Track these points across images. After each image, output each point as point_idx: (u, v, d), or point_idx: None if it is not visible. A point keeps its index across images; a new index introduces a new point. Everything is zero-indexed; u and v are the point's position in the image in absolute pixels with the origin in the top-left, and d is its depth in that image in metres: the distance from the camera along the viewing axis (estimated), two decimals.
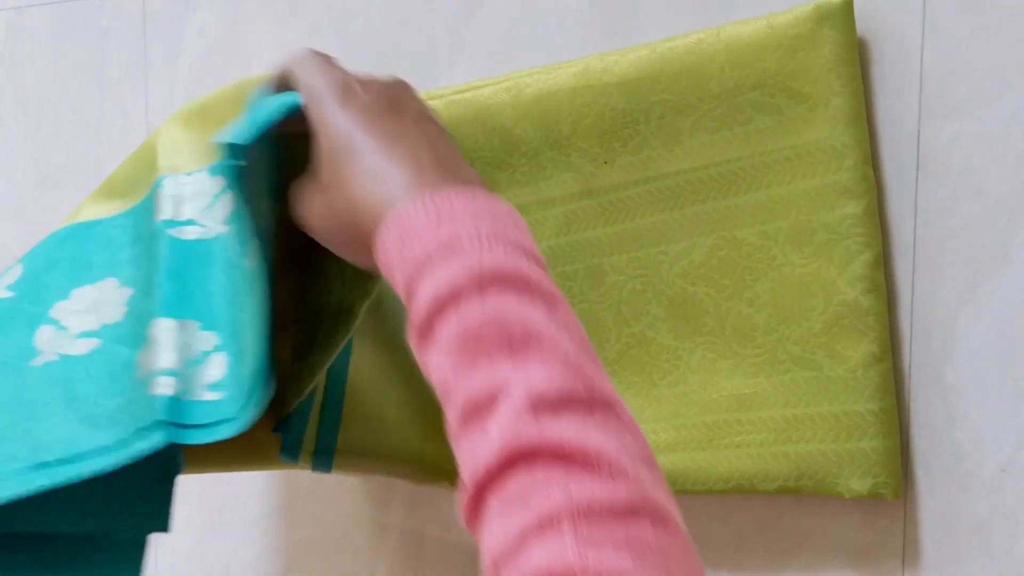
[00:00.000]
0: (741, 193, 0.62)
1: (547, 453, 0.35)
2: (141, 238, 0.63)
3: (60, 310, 0.62)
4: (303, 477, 0.81)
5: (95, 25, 0.90)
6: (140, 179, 0.66)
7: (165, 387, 0.55)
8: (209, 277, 0.59)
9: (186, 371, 0.56)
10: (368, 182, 0.42)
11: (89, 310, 0.61)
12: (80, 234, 0.65)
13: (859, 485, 0.59)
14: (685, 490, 0.63)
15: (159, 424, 0.54)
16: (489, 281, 0.38)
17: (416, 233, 0.39)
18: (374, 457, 0.67)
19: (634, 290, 0.65)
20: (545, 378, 0.37)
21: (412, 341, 0.40)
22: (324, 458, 0.64)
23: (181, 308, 0.58)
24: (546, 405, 0.36)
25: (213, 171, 0.62)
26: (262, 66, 0.81)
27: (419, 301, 0.39)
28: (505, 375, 0.37)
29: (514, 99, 0.66)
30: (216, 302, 0.58)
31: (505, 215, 0.41)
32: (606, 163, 0.64)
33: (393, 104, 0.46)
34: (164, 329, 0.57)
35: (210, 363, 0.56)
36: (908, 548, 0.62)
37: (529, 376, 0.36)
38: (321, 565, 0.81)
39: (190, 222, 0.61)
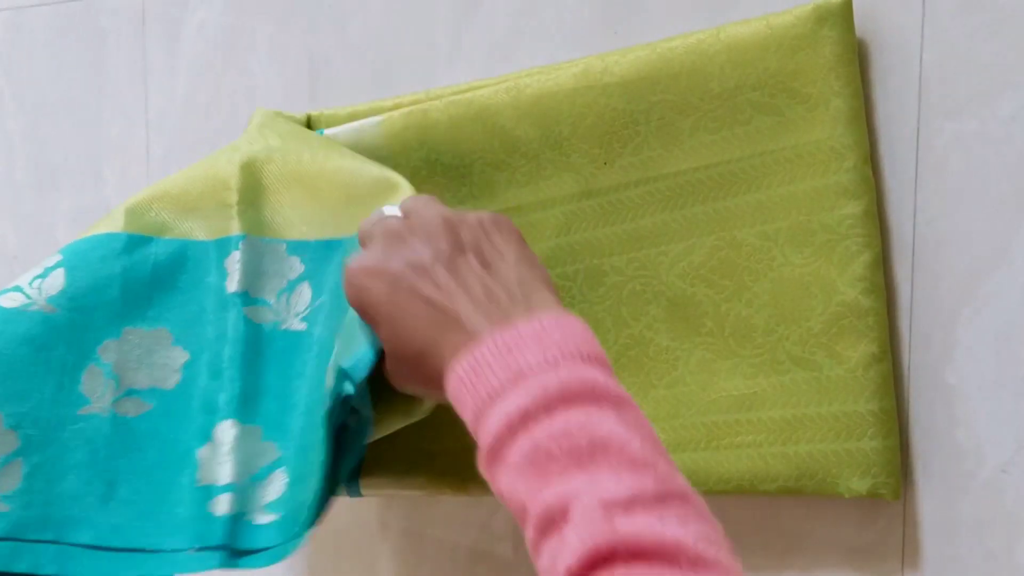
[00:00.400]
0: (741, 194, 0.62)
1: (624, 552, 0.36)
2: (200, 289, 0.60)
3: (109, 351, 0.59)
4: None
5: (95, 25, 0.90)
6: (206, 211, 0.63)
7: (225, 505, 0.54)
8: (278, 377, 0.58)
9: (246, 488, 0.55)
10: (433, 332, 0.45)
11: (140, 362, 0.59)
12: (134, 252, 0.61)
13: (859, 485, 0.59)
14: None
15: (218, 548, 0.53)
16: (556, 401, 0.40)
17: (488, 366, 0.42)
18: (392, 476, 0.68)
19: (633, 291, 0.65)
20: (614, 481, 0.38)
21: (481, 464, 0.43)
22: (353, 486, 0.65)
23: (247, 411, 0.56)
24: (618, 506, 0.37)
25: (291, 249, 0.61)
26: (262, 66, 0.82)
27: (489, 427, 0.41)
28: (576, 486, 0.38)
29: (514, 99, 0.66)
30: (282, 408, 0.57)
31: (570, 330, 0.43)
32: (606, 164, 0.64)
33: (454, 248, 0.48)
34: (229, 434, 0.56)
35: (270, 480, 0.55)
36: (908, 548, 0.62)
37: (599, 482, 0.38)
38: (321, 565, 0.81)
39: (263, 301, 0.60)
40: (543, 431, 0.40)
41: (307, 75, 0.80)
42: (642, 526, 0.37)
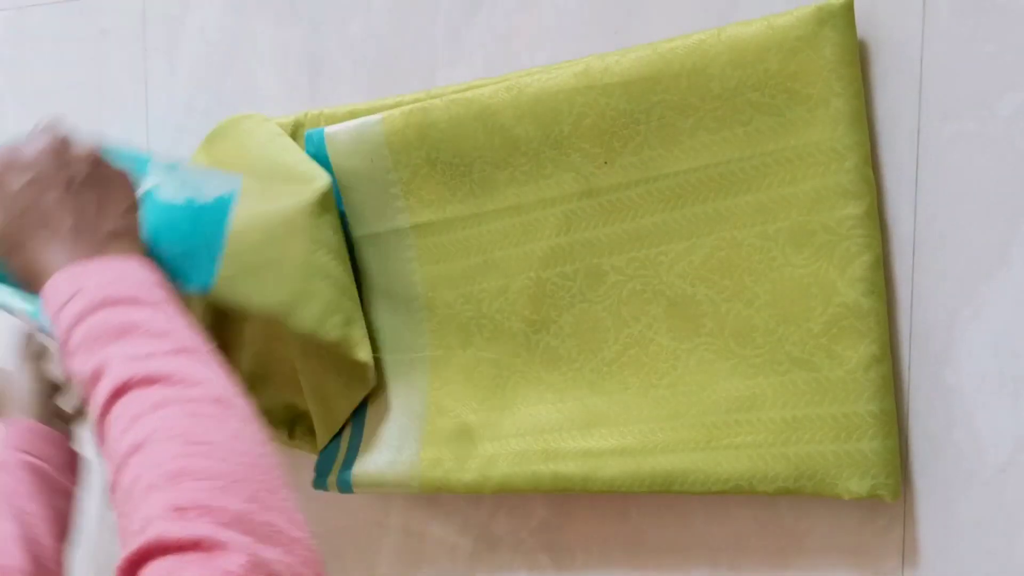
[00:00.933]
0: (741, 194, 0.62)
1: (137, 381, 0.50)
2: None
3: None
4: (303, 477, 0.81)
5: (95, 25, 0.90)
6: None
7: None
8: None
9: None
10: (37, 252, 0.58)
11: None
12: None
13: (858, 487, 0.59)
14: (684, 491, 0.63)
15: None
16: (104, 303, 0.54)
17: (64, 286, 0.56)
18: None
19: (633, 290, 0.65)
20: (138, 345, 0.52)
21: (62, 359, 0.55)
22: (346, 485, 0.73)
23: None
24: (139, 358, 0.52)
25: None
26: (262, 66, 0.82)
27: (60, 329, 0.55)
28: (112, 352, 0.52)
29: (515, 98, 0.66)
30: None
31: (127, 270, 0.57)
32: (606, 163, 0.64)
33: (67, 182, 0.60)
34: None
35: None
36: (908, 548, 0.62)
37: (127, 346, 0.52)
38: None
39: None
40: (93, 322, 0.54)
41: (307, 75, 0.80)
42: (153, 366, 0.51)
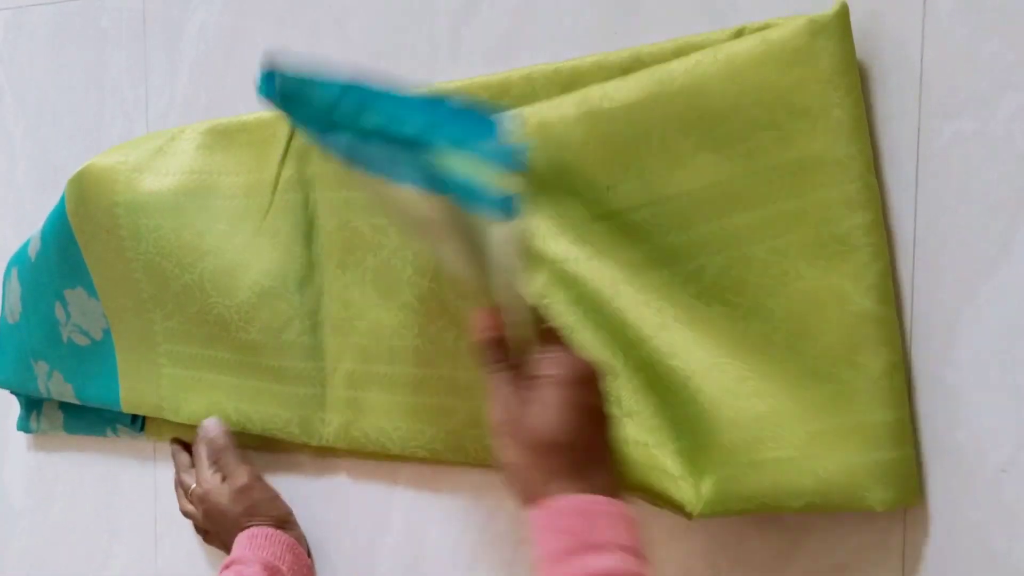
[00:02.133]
0: (748, 210, 0.60)
1: None
2: None
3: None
4: (303, 478, 0.82)
5: (95, 25, 0.90)
6: None
7: None
8: None
9: None
10: (540, 474, 0.57)
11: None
12: None
13: (885, 496, 0.58)
14: (714, 513, 0.62)
15: None
16: (588, 549, 0.54)
17: (559, 517, 0.56)
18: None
19: (645, 314, 0.63)
20: None
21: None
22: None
23: None
24: None
25: None
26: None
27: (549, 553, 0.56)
28: None
29: (516, 130, 0.64)
30: None
31: (612, 511, 0.56)
32: (609, 189, 0.63)
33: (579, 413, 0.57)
34: None
35: None
36: (908, 548, 0.62)
37: None
38: (321, 564, 0.81)
39: None
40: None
41: None
42: None
